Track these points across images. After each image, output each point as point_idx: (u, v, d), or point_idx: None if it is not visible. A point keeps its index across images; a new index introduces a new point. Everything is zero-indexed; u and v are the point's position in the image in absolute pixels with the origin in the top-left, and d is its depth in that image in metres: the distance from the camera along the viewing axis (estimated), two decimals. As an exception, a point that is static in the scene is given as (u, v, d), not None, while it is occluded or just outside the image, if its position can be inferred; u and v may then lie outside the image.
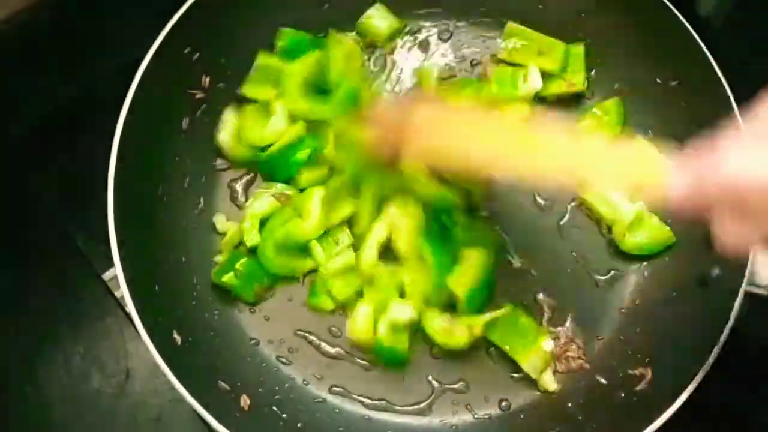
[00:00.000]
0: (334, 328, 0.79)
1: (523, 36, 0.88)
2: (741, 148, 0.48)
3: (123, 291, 0.67)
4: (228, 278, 0.77)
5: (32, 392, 0.80)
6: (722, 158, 0.48)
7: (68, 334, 0.83)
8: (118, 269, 0.68)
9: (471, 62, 0.91)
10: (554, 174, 0.62)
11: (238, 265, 0.77)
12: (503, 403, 0.77)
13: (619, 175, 0.60)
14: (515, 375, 0.78)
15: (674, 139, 0.83)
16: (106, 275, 0.83)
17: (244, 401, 0.72)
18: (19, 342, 0.83)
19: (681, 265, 0.79)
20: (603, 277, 0.82)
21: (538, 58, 0.87)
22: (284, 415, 0.74)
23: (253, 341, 0.79)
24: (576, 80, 0.87)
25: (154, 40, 0.75)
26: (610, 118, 0.86)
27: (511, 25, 0.88)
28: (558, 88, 0.87)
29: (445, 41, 0.92)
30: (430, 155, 0.70)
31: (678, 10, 0.80)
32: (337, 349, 0.78)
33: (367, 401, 0.77)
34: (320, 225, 0.78)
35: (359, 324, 0.76)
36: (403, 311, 0.75)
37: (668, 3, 0.80)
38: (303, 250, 0.79)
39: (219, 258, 0.80)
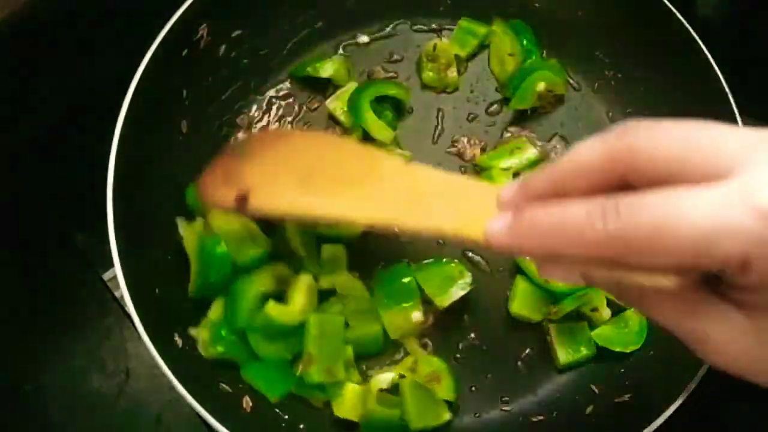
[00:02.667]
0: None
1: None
2: None
3: (123, 291, 0.67)
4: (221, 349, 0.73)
5: (32, 392, 0.80)
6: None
7: (68, 334, 0.83)
8: (118, 269, 0.68)
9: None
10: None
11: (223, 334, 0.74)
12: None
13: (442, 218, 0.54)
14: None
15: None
16: (106, 275, 0.83)
17: (246, 403, 0.72)
18: (19, 342, 0.83)
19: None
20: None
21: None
22: (286, 417, 0.74)
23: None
24: (556, 88, 0.88)
25: (154, 40, 0.75)
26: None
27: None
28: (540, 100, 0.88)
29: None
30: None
31: (678, 10, 0.80)
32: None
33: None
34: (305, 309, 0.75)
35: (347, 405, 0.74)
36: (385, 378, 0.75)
37: (668, 3, 0.80)
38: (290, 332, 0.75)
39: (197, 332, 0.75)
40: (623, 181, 0.42)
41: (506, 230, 0.46)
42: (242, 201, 0.63)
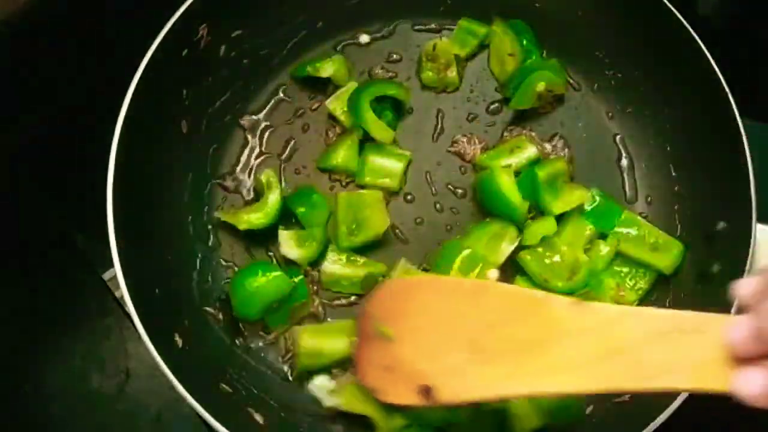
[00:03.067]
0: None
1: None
2: None
3: (123, 291, 0.67)
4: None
5: (32, 392, 0.80)
6: None
7: (68, 334, 0.83)
8: (118, 269, 0.68)
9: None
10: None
11: None
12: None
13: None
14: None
15: (673, 137, 0.84)
16: (106, 275, 0.83)
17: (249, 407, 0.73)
18: (19, 342, 0.83)
19: (682, 261, 0.80)
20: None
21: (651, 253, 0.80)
22: (288, 418, 0.74)
23: (255, 342, 0.79)
24: (555, 87, 0.87)
25: (154, 40, 0.75)
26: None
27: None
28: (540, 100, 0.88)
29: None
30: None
31: (678, 10, 0.80)
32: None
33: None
34: None
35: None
36: None
37: (668, 3, 0.80)
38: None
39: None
40: None
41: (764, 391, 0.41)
42: (426, 394, 0.59)
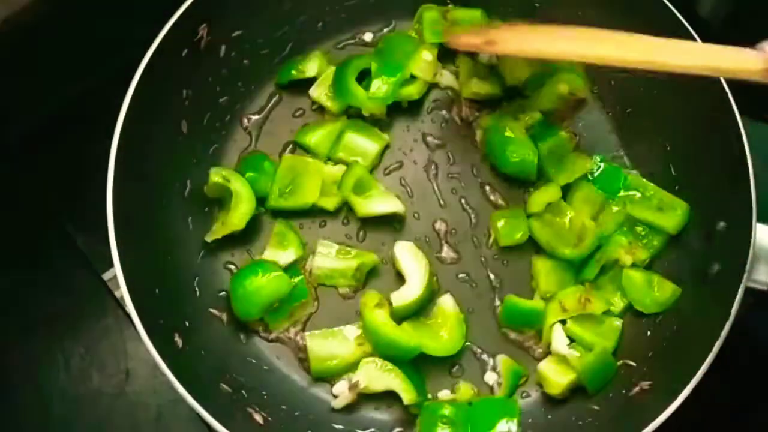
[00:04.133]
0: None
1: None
2: None
3: (123, 291, 0.67)
4: None
5: (32, 392, 0.80)
6: None
7: (68, 334, 0.83)
8: (118, 269, 0.68)
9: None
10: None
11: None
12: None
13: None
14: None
15: (673, 137, 0.84)
16: (106, 275, 0.83)
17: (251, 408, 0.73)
18: (19, 342, 0.83)
19: (681, 261, 0.80)
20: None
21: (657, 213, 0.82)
22: (288, 418, 0.74)
23: (255, 342, 0.79)
24: (577, 91, 0.87)
25: (154, 40, 0.75)
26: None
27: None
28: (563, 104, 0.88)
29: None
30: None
31: (678, 10, 0.80)
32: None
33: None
34: None
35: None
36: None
37: (668, 3, 0.80)
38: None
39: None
40: None
41: None
42: (491, 43, 0.75)
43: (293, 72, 0.87)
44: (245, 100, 0.88)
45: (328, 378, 0.77)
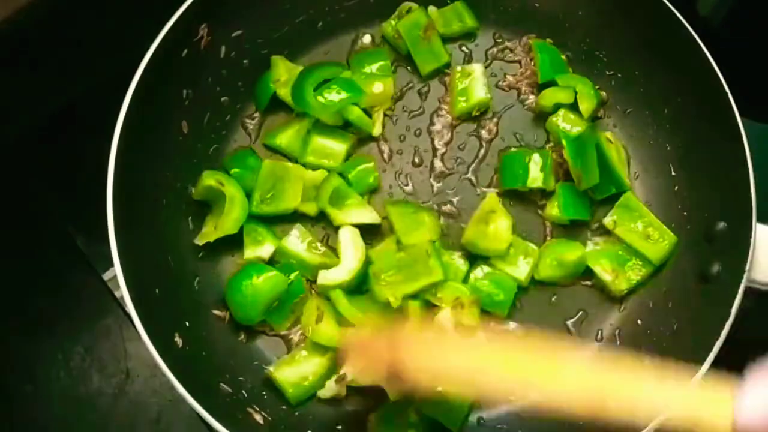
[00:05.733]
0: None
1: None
2: None
3: (123, 291, 0.67)
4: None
5: (32, 392, 0.80)
6: None
7: (68, 334, 0.83)
8: (118, 269, 0.68)
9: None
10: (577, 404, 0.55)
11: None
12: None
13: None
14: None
15: (673, 137, 0.84)
16: (106, 275, 0.83)
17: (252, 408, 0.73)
18: (19, 342, 0.83)
19: (682, 261, 0.80)
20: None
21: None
22: (288, 418, 0.74)
23: (255, 341, 0.79)
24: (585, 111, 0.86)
25: (154, 40, 0.75)
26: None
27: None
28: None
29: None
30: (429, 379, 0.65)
31: (678, 10, 0.80)
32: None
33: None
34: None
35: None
36: None
37: (668, 3, 0.80)
38: None
39: None
40: None
41: None
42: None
43: (271, 86, 0.86)
44: (245, 100, 0.88)
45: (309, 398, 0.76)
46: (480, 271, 0.80)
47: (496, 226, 0.80)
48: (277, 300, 0.77)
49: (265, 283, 0.75)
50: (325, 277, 0.77)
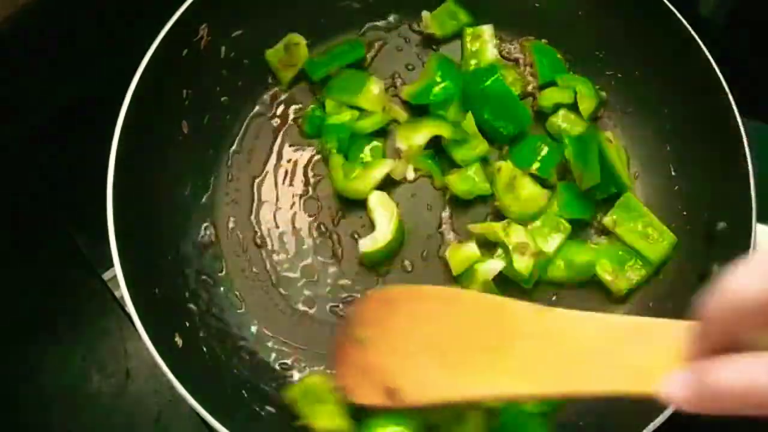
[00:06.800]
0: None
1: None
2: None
3: (123, 291, 0.67)
4: None
5: (32, 392, 0.80)
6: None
7: (68, 334, 0.83)
8: (118, 269, 0.68)
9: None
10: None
11: None
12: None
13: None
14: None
15: (673, 137, 0.84)
16: (106, 275, 0.83)
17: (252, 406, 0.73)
18: (19, 342, 0.83)
19: (682, 261, 0.80)
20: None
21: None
22: (288, 419, 0.74)
23: (255, 342, 0.79)
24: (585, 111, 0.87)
25: (154, 40, 0.75)
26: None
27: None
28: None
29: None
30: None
31: (678, 10, 0.80)
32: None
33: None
34: None
35: None
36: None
37: (668, 3, 0.80)
38: None
39: None
40: None
41: (689, 394, 0.42)
42: (392, 396, 0.61)
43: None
44: (246, 100, 0.88)
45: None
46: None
47: (526, 189, 0.81)
48: None
49: None
50: (365, 245, 0.78)
